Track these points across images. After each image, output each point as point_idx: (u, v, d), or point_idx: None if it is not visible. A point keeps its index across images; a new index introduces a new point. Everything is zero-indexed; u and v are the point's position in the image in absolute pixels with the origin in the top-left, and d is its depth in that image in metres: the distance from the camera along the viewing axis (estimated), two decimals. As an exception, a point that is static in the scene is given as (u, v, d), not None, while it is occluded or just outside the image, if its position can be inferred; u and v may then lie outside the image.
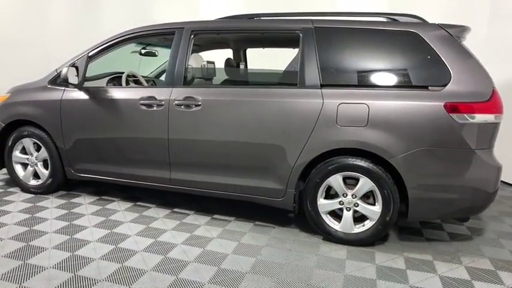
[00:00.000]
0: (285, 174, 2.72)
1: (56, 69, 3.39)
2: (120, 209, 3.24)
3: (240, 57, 4.05)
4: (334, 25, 2.71)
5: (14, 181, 3.61)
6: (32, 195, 3.50)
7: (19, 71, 5.50)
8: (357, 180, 2.63)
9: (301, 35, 2.74)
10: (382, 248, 2.67)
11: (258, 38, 3.29)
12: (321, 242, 2.75)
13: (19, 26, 5.66)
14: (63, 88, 3.30)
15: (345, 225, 2.68)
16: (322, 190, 2.69)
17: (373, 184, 2.57)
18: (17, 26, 5.66)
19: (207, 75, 3.06)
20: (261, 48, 3.62)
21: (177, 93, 2.91)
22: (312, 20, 2.77)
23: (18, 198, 3.40)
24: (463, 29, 2.62)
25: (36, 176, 3.54)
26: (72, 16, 5.96)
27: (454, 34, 2.57)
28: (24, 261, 2.32)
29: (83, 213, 3.12)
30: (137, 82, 3.78)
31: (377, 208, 2.60)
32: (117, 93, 3.13)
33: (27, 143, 3.45)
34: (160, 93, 2.96)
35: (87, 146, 3.23)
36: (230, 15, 3.15)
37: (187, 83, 2.96)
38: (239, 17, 3.10)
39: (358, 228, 2.67)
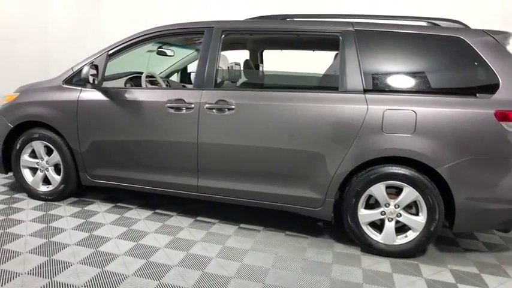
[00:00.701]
0: (325, 183, 2.59)
1: (72, 68, 3.17)
2: (141, 218, 3.04)
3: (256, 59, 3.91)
4: (376, 28, 2.61)
5: (21, 187, 3.35)
6: (42, 202, 3.25)
7: (17, 68, 5.21)
8: (398, 189, 2.53)
9: (341, 37, 2.63)
10: (424, 260, 2.57)
11: (292, 40, 3.16)
12: (360, 253, 2.63)
13: (18, 23, 5.34)
14: (80, 88, 3.08)
15: (386, 237, 2.57)
16: (363, 200, 2.57)
17: (418, 194, 2.47)
18: (15, 23, 5.34)
19: (239, 78, 2.91)
20: (296, 51, 3.49)
21: (208, 96, 2.75)
22: (352, 23, 2.66)
23: (27, 206, 3.15)
24: (508, 35, 2.56)
25: (46, 181, 3.29)
26: (72, 13, 5.68)
27: (499, 40, 2.51)
28: (51, 279, 2.11)
29: (101, 222, 2.91)
30: (153, 83, 3.59)
31: (421, 218, 2.50)
32: (141, 95, 2.94)
33: (38, 146, 3.20)
34: (190, 96, 2.79)
35: (105, 151, 3.02)
36: (260, 15, 3.01)
37: (218, 85, 2.80)
38: (270, 18, 2.96)
39: (401, 240, 2.57)
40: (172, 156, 2.87)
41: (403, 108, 2.43)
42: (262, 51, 3.96)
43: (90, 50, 5.63)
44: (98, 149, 3.03)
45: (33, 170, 3.31)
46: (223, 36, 2.82)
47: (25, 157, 3.27)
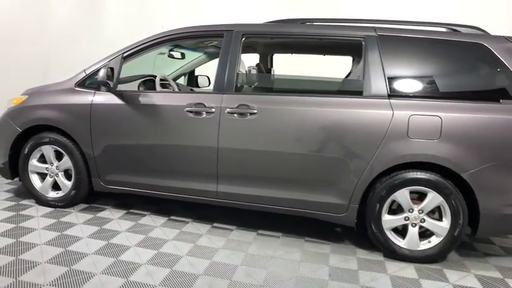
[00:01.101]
0: (349, 189, 2.57)
1: (84, 70, 3.08)
2: (156, 225, 2.96)
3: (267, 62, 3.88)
4: (399, 34, 2.62)
5: (28, 193, 3.23)
6: (51, 208, 3.14)
7: (16, 70, 5.06)
8: (420, 194, 2.53)
9: (363, 42, 2.62)
10: (447, 265, 2.57)
11: (313, 44, 3.13)
12: (383, 259, 2.62)
13: (18, 24, 5.18)
14: (94, 91, 2.99)
15: (410, 242, 2.57)
16: (387, 205, 2.57)
17: (442, 199, 2.47)
18: (15, 24, 5.18)
19: (260, 82, 2.87)
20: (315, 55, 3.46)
21: (229, 101, 2.70)
22: (374, 28, 2.66)
23: (37, 213, 3.04)
24: None
25: (55, 187, 3.19)
26: (71, 14, 5.55)
27: None
28: (76, 291, 2.03)
29: (117, 229, 2.82)
30: (165, 86, 3.52)
31: (445, 224, 2.51)
32: (159, 98, 2.87)
33: (48, 150, 3.09)
34: (210, 100, 2.73)
35: (120, 156, 2.94)
36: (279, 19, 2.98)
37: (238, 89, 2.76)
38: (288, 22, 2.94)
39: (424, 245, 2.57)
40: (191, 161, 2.81)
41: (428, 114, 2.43)
42: (272, 55, 3.94)
43: (90, 51, 5.56)
44: (113, 154, 2.95)
45: (42, 176, 3.20)
46: (243, 39, 2.78)
47: (33, 162, 3.15)
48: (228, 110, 2.68)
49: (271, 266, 2.43)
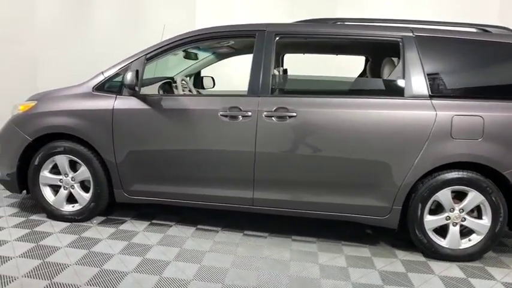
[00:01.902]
0: (392, 191, 2.55)
1: (102, 73, 2.85)
2: (187, 235, 2.80)
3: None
4: (435, 34, 2.62)
5: (40, 207, 2.97)
6: (66, 223, 2.90)
7: (2, 70, 4.65)
8: (458, 193, 2.55)
9: (401, 43, 2.60)
10: (487, 263, 2.61)
11: (347, 45, 3.08)
12: (425, 259, 2.62)
13: (2, 23, 4.74)
14: (115, 95, 2.78)
15: (452, 241, 2.58)
16: (429, 206, 2.57)
17: (483, 198, 2.51)
18: (1, 22, 4.74)
19: (296, 84, 2.78)
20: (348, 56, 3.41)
21: (266, 104, 2.59)
22: (410, 29, 2.65)
23: (53, 229, 2.79)
24: None
25: (69, 200, 2.94)
26: (60, 12, 5.19)
27: None
28: (131, 315, 1.86)
29: (147, 243, 2.64)
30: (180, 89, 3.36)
31: (486, 222, 2.54)
32: (188, 102, 2.72)
33: (62, 160, 2.85)
34: (246, 103, 2.61)
35: (147, 164, 2.76)
36: (308, 18, 2.91)
37: (274, 91, 2.66)
38: (319, 21, 2.87)
39: (465, 244, 2.59)
40: (225, 168, 2.68)
41: (471, 114, 2.45)
42: (284, 56, 3.86)
43: (81, 51, 5.23)
44: (138, 162, 2.76)
45: (54, 188, 2.95)
46: (276, 39, 2.68)
47: (45, 173, 2.89)
48: (265, 113, 2.58)
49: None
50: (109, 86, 2.81)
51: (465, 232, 2.61)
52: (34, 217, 2.99)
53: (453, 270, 2.50)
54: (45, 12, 4.94)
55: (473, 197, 2.51)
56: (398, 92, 2.56)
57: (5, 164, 2.94)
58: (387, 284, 2.27)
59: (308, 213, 2.70)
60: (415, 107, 2.50)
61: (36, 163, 2.86)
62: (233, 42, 3.45)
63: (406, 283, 2.30)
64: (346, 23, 2.81)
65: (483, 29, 2.76)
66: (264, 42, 2.68)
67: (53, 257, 2.37)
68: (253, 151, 2.61)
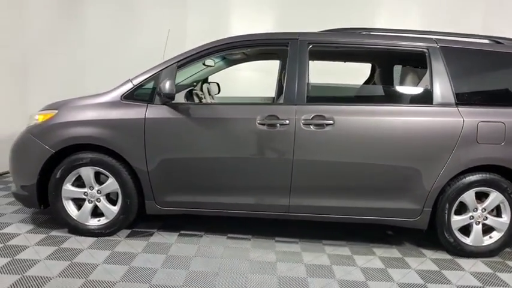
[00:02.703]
0: (424, 194, 2.68)
1: (131, 80, 2.75)
2: (223, 246, 2.77)
3: None
4: (458, 45, 2.79)
5: (62, 222, 2.81)
6: (93, 238, 2.76)
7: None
8: (480, 193, 2.74)
9: (427, 53, 2.75)
10: (506, 257, 2.82)
11: (374, 54, 3.17)
12: (451, 257, 2.78)
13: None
14: (146, 103, 2.69)
15: (475, 239, 2.76)
16: (455, 207, 2.73)
17: (503, 197, 2.71)
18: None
19: (331, 92, 2.84)
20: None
21: (303, 112, 2.64)
22: (434, 40, 2.80)
23: (81, 245, 2.65)
24: None
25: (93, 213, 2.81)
26: (50, 15, 4.91)
27: None
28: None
29: (185, 255, 2.59)
30: (198, 96, 3.31)
31: (505, 219, 2.75)
32: (223, 111, 2.71)
33: (87, 172, 2.72)
34: (283, 112, 2.64)
35: (181, 174, 2.70)
36: (334, 28, 2.98)
37: (310, 100, 2.70)
38: (345, 30, 2.96)
39: (487, 241, 2.78)
40: (262, 176, 2.69)
41: (493, 120, 2.64)
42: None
43: (73, 55, 4.98)
44: (172, 172, 2.69)
45: (76, 202, 2.81)
46: (309, 48, 2.73)
47: (68, 187, 2.75)
48: (303, 121, 2.62)
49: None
50: (139, 94, 2.73)
51: (485, 230, 2.81)
52: (55, 233, 2.83)
53: (480, 266, 2.68)
54: (34, 14, 4.65)
55: (495, 197, 2.71)
56: (428, 100, 2.70)
57: (21, 178, 2.77)
58: (429, 282, 2.40)
59: (343, 218, 2.77)
60: (444, 114, 2.65)
61: (58, 176, 2.71)
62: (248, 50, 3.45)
63: (444, 280, 2.44)
64: (371, 33, 2.92)
65: (496, 40, 2.97)
66: (297, 51, 2.72)
67: (95, 274, 2.26)
68: (291, 159, 2.64)
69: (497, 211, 2.79)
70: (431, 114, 2.66)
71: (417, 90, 2.77)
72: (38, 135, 2.70)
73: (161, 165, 2.68)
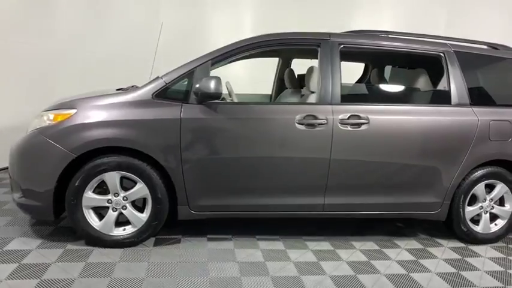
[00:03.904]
0: (445, 188, 2.87)
1: (162, 78, 2.55)
2: (259, 247, 2.71)
3: None
4: (468, 50, 3.03)
5: (83, 234, 2.52)
6: (118, 249, 2.52)
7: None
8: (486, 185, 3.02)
9: (444, 57, 2.95)
10: (506, 241, 3.15)
11: (394, 57, 3.28)
12: (464, 245, 3.02)
13: None
14: (180, 103, 2.52)
15: (484, 227, 3.04)
16: (468, 199, 2.98)
17: (508, 188, 3.02)
18: None
19: (363, 91, 2.90)
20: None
21: (339, 111, 2.67)
22: (448, 44, 3.01)
23: (109, 258, 2.40)
24: None
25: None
26: (21, 4, 4.36)
27: None
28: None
29: (232, 258, 2.48)
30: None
31: (508, 208, 3.06)
32: (262, 111, 2.65)
33: (113, 178, 2.47)
34: (321, 112, 2.65)
35: (218, 176, 2.58)
36: (354, 30, 3.06)
37: (344, 99, 2.74)
38: (368, 32, 3.05)
39: (494, 228, 3.07)
40: (300, 176, 2.68)
41: (502, 119, 2.92)
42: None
43: (44, 46, 4.48)
44: (208, 175, 2.56)
45: (95, 210, 2.54)
46: (340, 48, 2.78)
47: (90, 194, 2.47)
48: (340, 121, 2.66)
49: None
50: (171, 93, 2.54)
51: (491, 218, 3.10)
52: (72, 246, 2.53)
53: (491, 251, 2.95)
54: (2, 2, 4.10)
55: (501, 188, 3.01)
56: (447, 100, 2.90)
57: (33, 185, 2.43)
58: (461, 270, 2.59)
59: (373, 214, 2.88)
60: (461, 113, 2.87)
61: (77, 183, 2.42)
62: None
63: (470, 267, 2.65)
64: (389, 35, 3.05)
65: (493, 46, 3.28)
66: (330, 51, 2.75)
67: (146, 289, 2.08)
68: (329, 158, 2.67)
69: (500, 201, 3.10)
70: (451, 113, 2.86)
71: (438, 91, 2.95)
72: (55, 138, 2.39)
73: (197, 167, 2.53)
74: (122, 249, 2.53)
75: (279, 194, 2.70)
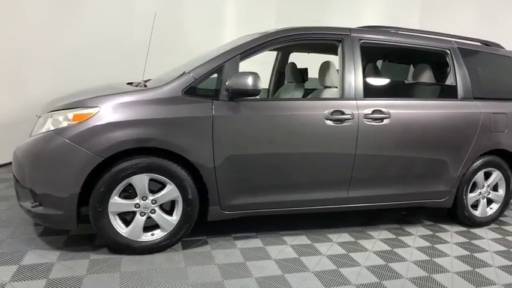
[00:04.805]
0: (453, 177, 3.07)
1: (190, 73, 2.41)
2: (288, 243, 2.70)
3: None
4: (469, 47, 3.23)
5: (110, 242, 2.34)
6: (147, 255, 2.38)
7: None
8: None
9: (450, 53, 3.12)
10: (501, 224, 3.45)
11: (404, 53, 3.37)
12: (466, 228, 3.27)
13: None
14: (211, 99, 2.41)
15: (482, 211, 3.31)
16: (470, 186, 3.21)
17: (502, 175, 3.30)
18: None
19: (380, 86, 2.97)
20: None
21: (364, 106, 2.73)
22: (452, 41, 3.18)
23: (142, 266, 2.25)
24: None
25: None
26: None
27: None
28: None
29: (264, 259, 2.45)
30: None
31: (501, 193, 3.35)
32: (292, 107, 2.63)
33: (142, 181, 2.31)
34: (347, 107, 2.68)
35: (250, 174, 2.53)
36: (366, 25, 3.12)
37: (366, 95, 2.79)
38: (380, 28, 3.12)
39: (489, 211, 3.35)
40: (328, 171, 2.72)
41: (500, 112, 3.18)
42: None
43: (12, 37, 4.04)
44: (241, 173, 2.50)
45: (120, 216, 2.37)
46: (360, 43, 2.82)
47: (116, 200, 2.30)
48: (364, 116, 2.71)
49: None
50: (201, 89, 2.42)
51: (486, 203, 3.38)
52: (96, 256, 2.34)
53: (490, 233, 3.23)
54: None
55: (497, 175, 3.28)
56: (454, 94, 3.08)
57: (54, 191, 2.20)
58: (474, 253, 2.80)
59: (391, 204, 3.00)
60: (467, 107, 3.07)
61: (103, 189, 2.24)
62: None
63: (479, 249, 2.88)
64: (399, 31, 3.15)
65: (485, 43, 3.52)
66: (352, 47, 2.78)
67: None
68: (354, 152, 2.72)
69: (494, 187, 3.38)
70: (459, 107, 3.05)
71: (448, 86, 3.12)
72: (78, 140, 2.17)
73: (230, 166, 2.45)
74: (152, 256, 2.40)
75: (308, 189, 2.72)
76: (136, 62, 5.73)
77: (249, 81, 2.32)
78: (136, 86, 2.87)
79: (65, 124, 2.23)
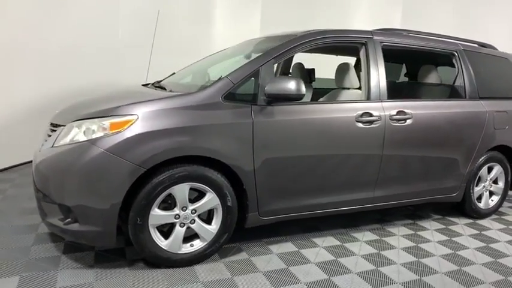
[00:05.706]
0: (463, 173, 3.24)
1: (229, 78, 2.32)
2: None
3: None
4: (472, 50, 3.41)
5: (149, 256, 2.21)
6: (183, 267, 2.29)
7: None
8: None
9: (457, 55, 3.27)
10: (502, 214, 3.70)
11: (417, 55, 3.46)
12: (472, 220, 3.46)
13: None
14: (250, 105, 2.34)
15: (485, 203, 3.53)
16: (476, 181, 3.41)
17: (502, 170, 3.53)
18: None
19: (400, 88, 3.04)
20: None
21: (389, 108, 2.80)
22: (458, 43, 3.34)
23: (168, 281, 2.16)
24: None
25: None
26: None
27: None
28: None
29: (308, 259, 2.45)
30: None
31: (501, 185, 3.58)
32: (326, 110, 2.63)
33: (182, 191, 2.21)
34: (374, 109, 2.74)
35: (289, 178, 2.51)
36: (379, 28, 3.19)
37: (392, 96, 2.86)
38: (392, 30, 3.20)
39: (491, 203, 3.57)
40: (357, 172, 2.76)
41: (502, 110, 3.39)
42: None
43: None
44: (280, 178, 2.47)
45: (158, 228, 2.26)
46: (381, 46, 2.88)
47: (157, 211, 2.18)
48: (390, 117, 2.78)
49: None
50: (239, 94, 2.35)
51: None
52: (132, 272, 2.20)
53: (494, 223, 3.45)
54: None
55: (497, 170, 3.51)
56: (463, 94, 3.25)
57: (90, 208, 2.05)
58: (489, 243, 2.98)
59: (411, 201, 3.11)
60: (475, 106, 3.25)
61: (143, 201, 2.11)
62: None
63: (492, 240, 3.07)
64: (410, 34, 3.26)
65: (482, 44, 3.74)
66: (375, 49, 2.84)
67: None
68: (381, 153, 2.79)
69: (494, 180, 3.61)
70: (468, 106, 3.22)
71: (458, 86, 3.28)
72: (117, 150, 2.03)
73: (268, 171, 2.41)
74: (189, 269, 2.30)
75: (339, 191, 2.75)
76: (122, 61, 5.48)
77: (292, 86, 2.29)
78: (156, 89, 2.75)
79: (100, 133, 2.07)
